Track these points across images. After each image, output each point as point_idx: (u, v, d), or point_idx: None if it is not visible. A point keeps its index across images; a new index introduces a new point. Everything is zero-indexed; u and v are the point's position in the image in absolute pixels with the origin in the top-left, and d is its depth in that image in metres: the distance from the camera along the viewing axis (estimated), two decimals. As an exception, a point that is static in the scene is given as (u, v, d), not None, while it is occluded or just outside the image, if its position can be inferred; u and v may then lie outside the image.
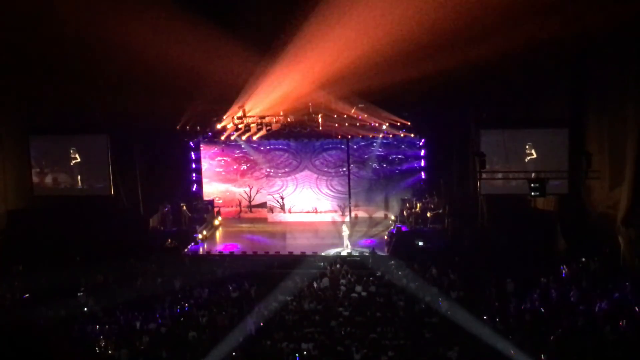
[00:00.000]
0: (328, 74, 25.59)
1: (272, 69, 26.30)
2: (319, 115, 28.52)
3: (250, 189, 32.39)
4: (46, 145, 29.89)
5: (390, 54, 24.25)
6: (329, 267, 24.07)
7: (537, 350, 17.24)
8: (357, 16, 23.86)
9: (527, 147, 26.72)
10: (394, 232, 28.11)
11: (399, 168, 30.96)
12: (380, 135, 29.79)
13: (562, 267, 22.95)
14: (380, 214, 31.37)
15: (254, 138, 29.95)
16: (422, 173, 30.77)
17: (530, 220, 26.54)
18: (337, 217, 31.17)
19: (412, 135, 29.73)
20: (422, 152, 30.49)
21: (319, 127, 29.16)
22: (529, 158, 26.68)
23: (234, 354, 18.01)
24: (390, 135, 29.69)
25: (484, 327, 18.54)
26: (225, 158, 32.35)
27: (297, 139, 30.67)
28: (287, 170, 31.84)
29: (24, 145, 29.82)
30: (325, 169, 31.53)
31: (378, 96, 27.10)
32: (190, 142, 31.53)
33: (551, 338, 17.96)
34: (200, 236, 29.19)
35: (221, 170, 32.50)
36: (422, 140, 30.09)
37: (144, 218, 29.44)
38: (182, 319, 20.55)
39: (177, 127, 29.45)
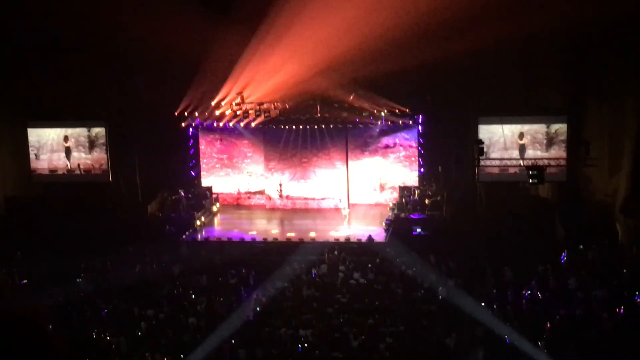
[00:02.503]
0: (327, 60, 25.54)
1: (271, 55, 26.23)
2: (318, 102, 28.49)
3: (250, 176, 32.33)
4: (44, 131, 29.77)
5: (388, 41, 24.21)
6: (327, 254, 24.07)
7: (535, 337, 17.30)
8: (356, 2, 23.80)
9: (525, 135, 26.70)
10: (393, 219, 28.11)
11: (396, 154, 30.94)
12: (379, 123, 29.71)
13: (560, 255, 22.99)
14: (378, 201, 31.35)
15: (253, 125, 29.86)
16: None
17: (528, 208, 26.51)
18: (335, 203, 31.12)
19: (411, 122, 29.66)
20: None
21: (317, 114, 29.14)
22: (527, 146, 26.65)
23: (232, 340, 18.06)
24: (389, 122, 29.61)
25: (482, 315, 18.59)
26: (223, 144, 32.27)
27: (296, 126, 30.56)
28: (285, 156, 31.74)
29: (22, 132, 29.73)
30: (324, 156, 31.43)
31: (377, 84, 27.06)
32: (189, 129, 31.41)
33: (549, 325, 18.02)
34: (198, 222, 29.16)
35: (219, 156, 32.42)
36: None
37: (143, 204, 29.35)
38: (180, 305, 20.58)
39: (176, 113, 29.38)
